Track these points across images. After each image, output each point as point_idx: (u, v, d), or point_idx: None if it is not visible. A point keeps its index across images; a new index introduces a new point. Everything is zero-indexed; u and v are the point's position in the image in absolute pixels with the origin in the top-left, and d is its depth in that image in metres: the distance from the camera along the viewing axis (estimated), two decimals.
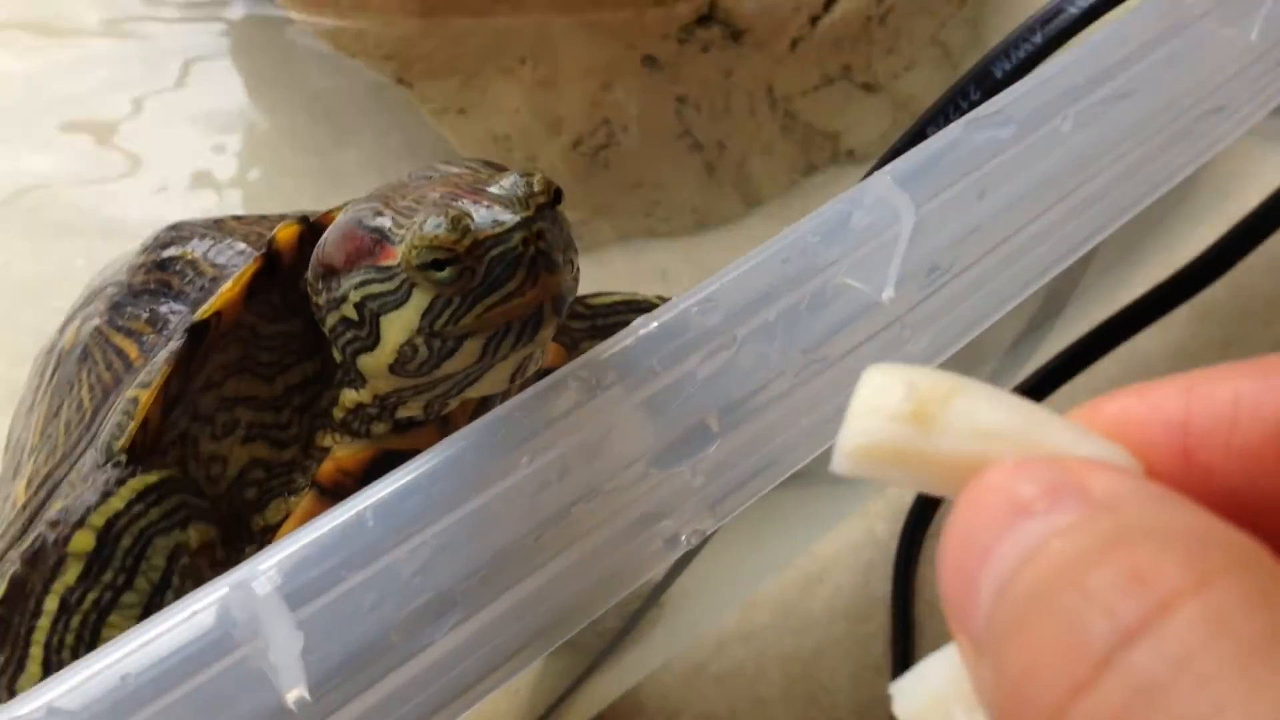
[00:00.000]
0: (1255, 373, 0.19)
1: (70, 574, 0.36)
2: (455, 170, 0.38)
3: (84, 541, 0.36)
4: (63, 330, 0.48)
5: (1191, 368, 0.20)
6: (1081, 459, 0.19)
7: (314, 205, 0.46)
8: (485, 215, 0.33)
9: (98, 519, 0.36)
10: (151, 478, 0.38)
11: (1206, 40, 0.44)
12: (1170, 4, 0.44)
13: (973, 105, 0.44)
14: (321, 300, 0.38)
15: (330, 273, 0.37)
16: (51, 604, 0.36)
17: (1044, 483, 0.18)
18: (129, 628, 0.30)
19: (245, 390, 0.43)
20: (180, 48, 0.79)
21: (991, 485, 0.18)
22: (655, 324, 0.35)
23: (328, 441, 0.42)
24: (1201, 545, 0.16)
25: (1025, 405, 0.21)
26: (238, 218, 0.48)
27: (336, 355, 0.40)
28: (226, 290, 0.41)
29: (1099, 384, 0.65)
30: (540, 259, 0.33)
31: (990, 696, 0.17)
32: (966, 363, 0.64)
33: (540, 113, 0.72)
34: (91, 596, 0.36)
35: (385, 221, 0.35)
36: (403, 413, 0.40)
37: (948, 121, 0.40)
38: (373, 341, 0.37)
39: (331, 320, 0.38)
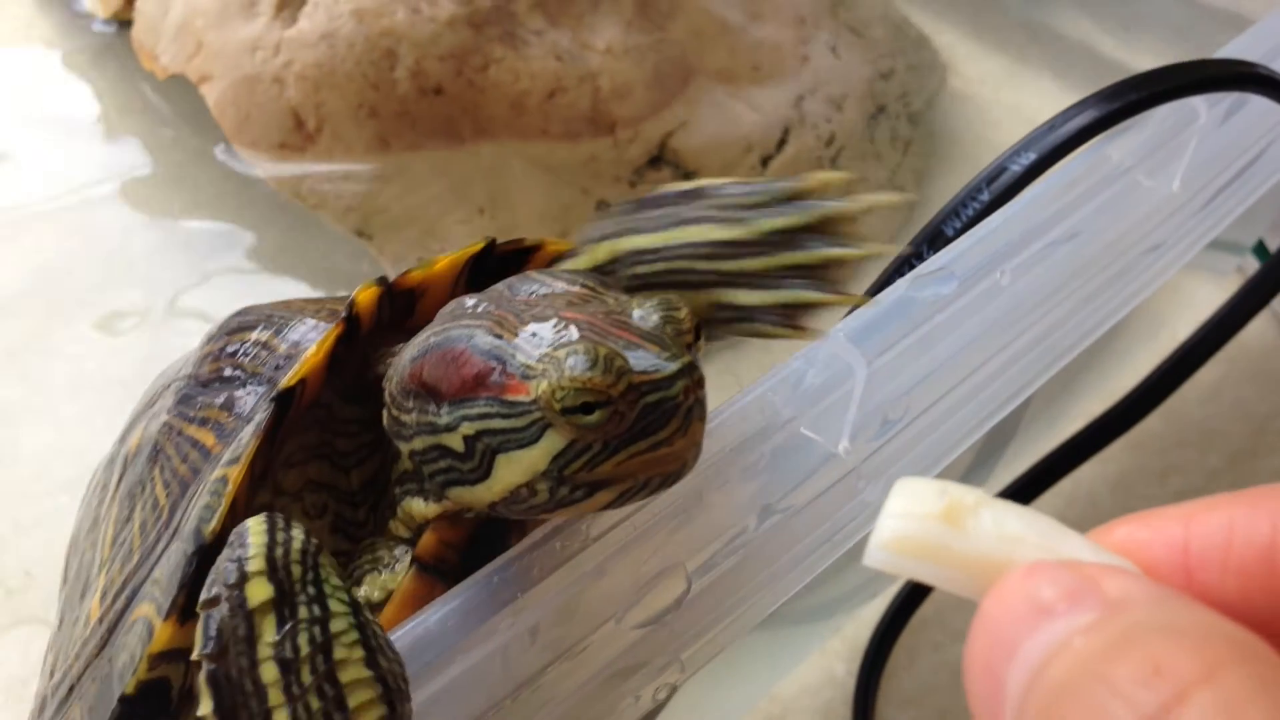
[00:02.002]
0: (1247, 501, 0.21)
1: (268, 629, 0.29)
2: (567, 287, 0.34)
3: (261, 590, 0.30)
4: (123, 439, 0.46)
5: (1132, 498, 0.22)
6: (1095, 563, 0.20)
7: None
8: (640, 358, 0.30)
9: (256, 563, 0.30)
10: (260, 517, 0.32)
11: (1132, 191, 0.46)
12: (1097, 160, 0.46)
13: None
14: (409, 419, 0.34)
15: (429, 394, 0.33)
16: (270, 673, 0.29)
17: (1063, 585, 0.19)
18: (358, 658, 0.29)
19: (326, 477, 0.40)
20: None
21: (1015, 589, 0.20)
22: None
23: (402, 531, 0.39)
24: (1209, 639, 0.17)
25: (1046, 520, 0.23)
26: (304, 300, 0.45)
27: (408, 465, 0.37)
28: (310, 356, 0.38)
29: (1056, 505, 0.66)
30: (696, 408, 0.31)
31: None
32: None
33: None
34: (304, 640, 0.29)
35: (508, 349, 0.32)
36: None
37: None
38: (479, 477, 0.33)
39: (421, 444, 0.34)
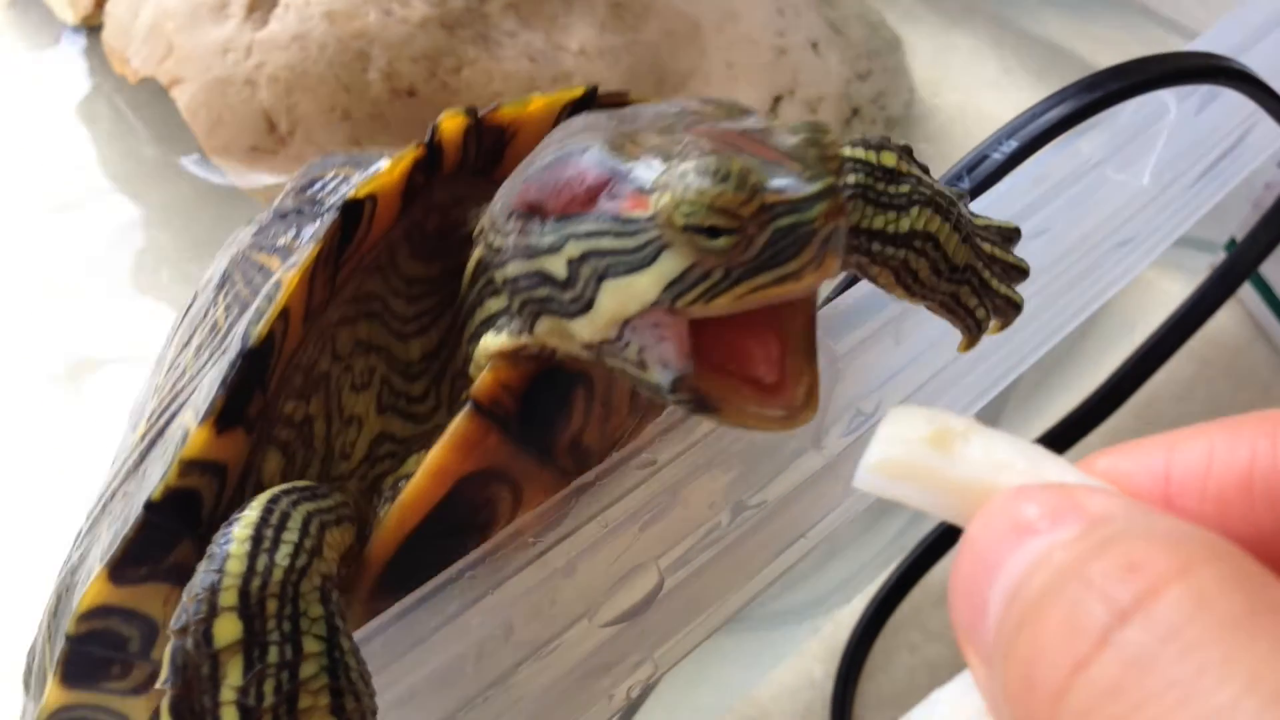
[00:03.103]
0: (1227, 428, 0.21)
1: (233, 672, 0.28)
2: (701, 106, 0.30)
3: (229, 629, 0.28)
4: (206, 277, 0.43)
5: None
6: (1078, 485, 0.21)
7: None
8: (778, 174, 0.26)
9: (228, 597, 0.28)
10: (253, 514, 0.30)
11: (1102, 186, 0.46)
12: (1067, 155, 0.46)
13: None
14: (505, 243, 0.31)
15: (532, 212, 0.30)
16: (231, 717, 0.28)
17: (1047, 505, 0.20)
18: (323, 705, 0.28)
19: (378, 339, 0.37)
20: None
21: (999, 511, 0.20)
22: (594, 477, 0.35)
23: None
24: (1184, 540, 0.18)
25: (1034, 447, 0.23)
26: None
27: (498, 304, 0.33)
28: (385, 172, 0.34)
29: None
30: (834, 238, 0.27)
31: (999, 700, 0.19)
32: None
33: None
34: (269, 688, 0.28)
35: (630, 163, 0.28)
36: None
37: None
38: (579, 308, 0.29)
39: (517, 269, 0.31)
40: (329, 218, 0.34)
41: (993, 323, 0.38)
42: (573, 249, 0.29)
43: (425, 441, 0.35)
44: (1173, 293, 0.74)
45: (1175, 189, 0.48)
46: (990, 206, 0.44)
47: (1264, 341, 0.76)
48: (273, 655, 0.28)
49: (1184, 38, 0.86)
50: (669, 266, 0.27)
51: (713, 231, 0.26)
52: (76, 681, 0.36)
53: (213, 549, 0.29)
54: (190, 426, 0.33)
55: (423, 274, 0.38)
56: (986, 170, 0.45)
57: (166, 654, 0.28)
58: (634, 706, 0.48)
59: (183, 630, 0.28)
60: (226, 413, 0.33)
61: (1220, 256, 0.78)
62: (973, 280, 0.37)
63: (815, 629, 0.63)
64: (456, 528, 0.35)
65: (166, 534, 0.34)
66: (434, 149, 0.35)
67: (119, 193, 0.79)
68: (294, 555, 0.29)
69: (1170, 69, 0.45)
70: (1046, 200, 0.45)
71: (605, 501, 0.34)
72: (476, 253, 0.34)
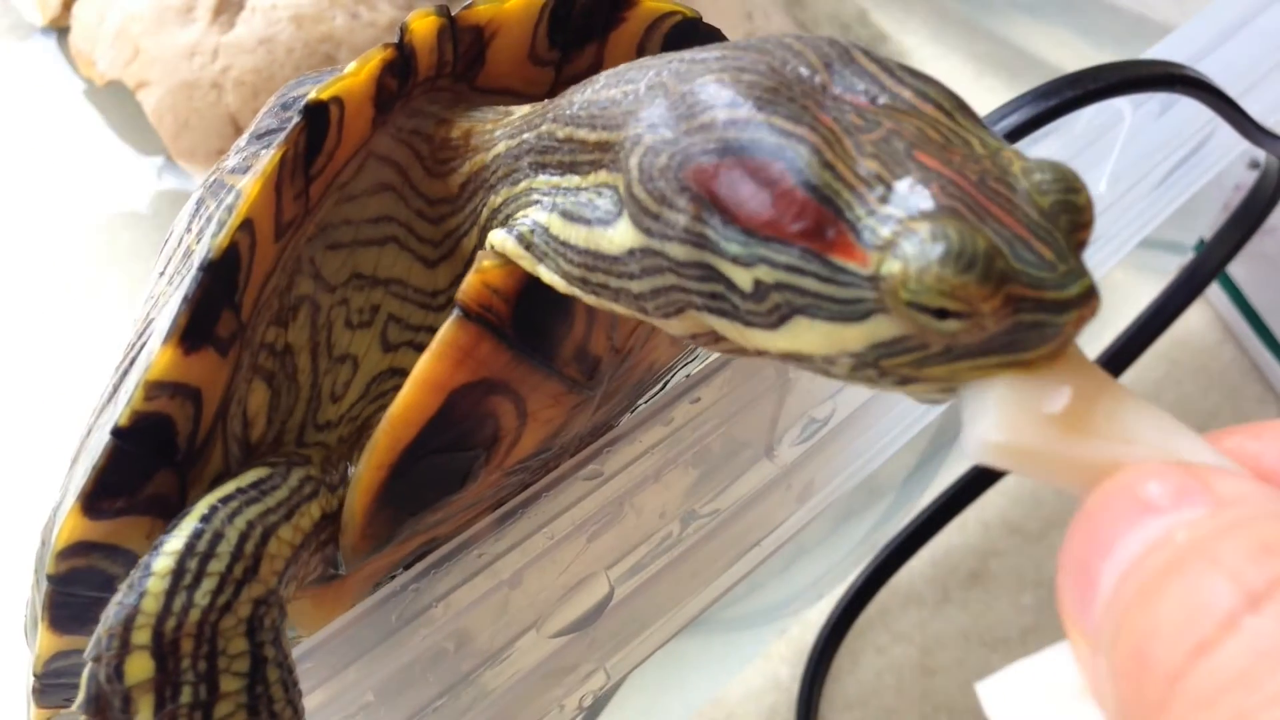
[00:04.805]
0: None
1: (144, 709, 0.27)
2: (916, 102, 0.25)
3: (140, 668, 0.27)
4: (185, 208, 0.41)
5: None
6: (1207, 465, 0.19)
7: None
8: (1028, 263, 0.22)
9: (140, 636, 0.28)
10: (178, 541, 0.29)
11: None
12: None
13: None
14: (671, 219, 0.26)
15: (716, 207, 0.25)
16: None
17: (1172, 483, 0.18)
18: None
19: (396, 270, 0.35)
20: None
21: (1119, 486, 0.19)
22: (542, 489, 0.35)
23: None
24: None
25: (1162, 415, 0.21)
26: None
27: (645, 281, 0.28)
28: (350, 73, 0.32)
29: (1000, 505, 0.67)
30: (1077, 335, 0.23)
31: (1105, 682, 0.17)
32: (864, 498, 0.66)
33: None
34: None
35: (846, 195, 0.23)
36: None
37: None
38: (764, 324, 0.25)
39: (684, 255, 0.26)
40: (292, 119, 0.32)
41: None
42: (765, 274, 0.25)
43: None
44: (1142, 295, 0.74)
45: (1135, 194, 0.49)
46: None
47: (1233, 343, 0.76)
48: (186, 695, 0.28)
49: (1156, 35, 0.87)
50: (883, 331, 0.23)
51: (942, 313, 0.22)
52: (66, 626, 0.35)
53: (133, 576, 0.29)
54: (155, 348, 0.31)
55: (444, 193, 0.35)
56: None
57: (83, 680, 0.28)
58: (594, 713, 0.48)
59: (97, 659, 0.28)
60: (192, 331, 0.31)
61: (1190, 258, 0.78)
62: None
63: (782, 631, 0.63)
64: (457, 443, 0.33)
65: (141, 463, 0.32)
66: (405, 51, 0.33)
67: (86, 195, 0.79)
68: (216, 591, 0.29)
69: (1126, 77, 0.45)
70: None
71: (552, 513, 0.34)
72: (625, 185, 0.28)
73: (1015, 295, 0.22)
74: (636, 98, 0.28)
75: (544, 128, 0.31)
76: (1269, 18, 0.51)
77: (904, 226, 0.22)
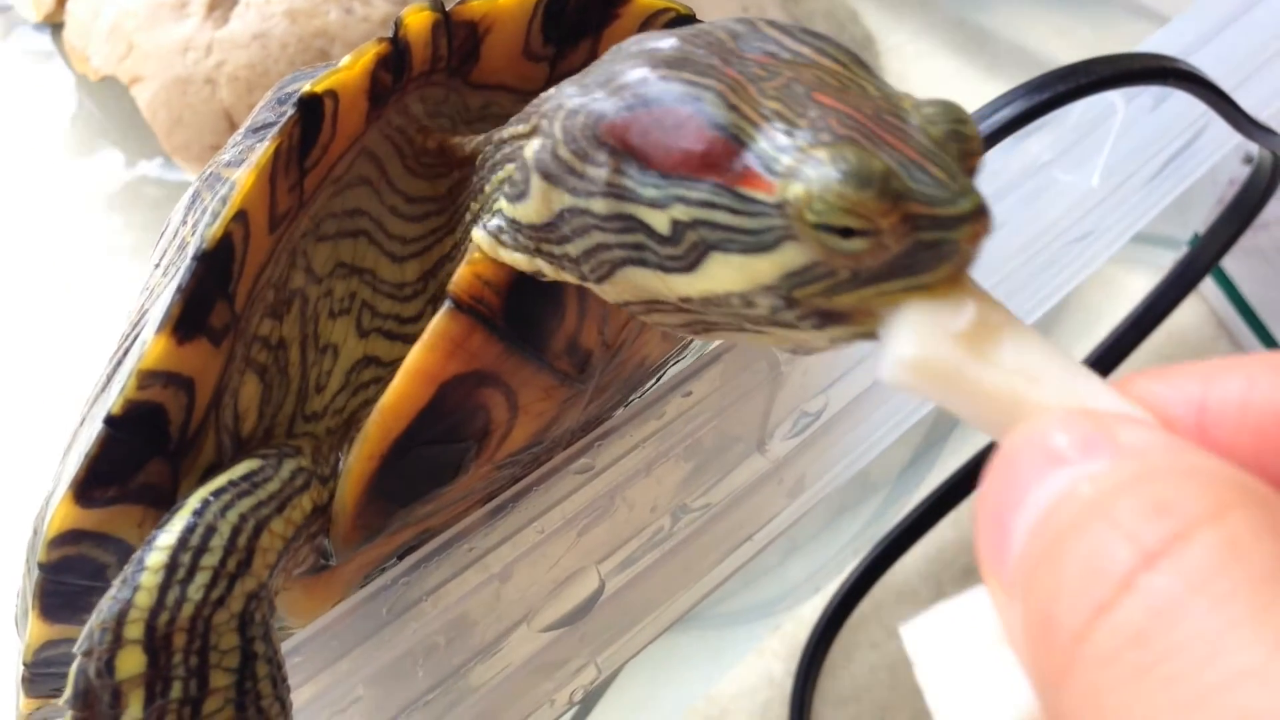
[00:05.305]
0: (1267, 363, 0.21)
1: (134, 704, 0.27)
2: (815, 56, 0.27)
3: (132, 662, 0.28)
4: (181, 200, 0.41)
5: None
6: (1112, 413, 0.20)
7: None
8: (924, 184, 0.23)
9: (133, 630, 0.28)
10: (170, 536, 0.29)
11: (1051, 187, 0.46)
12: (1015, 155, 0.46)
13: None
14: (592, 174, 0.28)
15: (633, 156, 0.27)
16: None
17: (1078, 434, 0.19)
18: None
19: (365, 260, 0.35)
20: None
21: (1027, 438, 0.19)
22: (533, 482, 0.35)
23: None
24: (1218, 481, 0.17)
25: (1066, 357, 0.22)
26: None
27: (576, 243, 0.29)
28: (344, 67, 0.32)
29: None
30: (974, 255, 0.24)
31: (1018, 632, 0.18)
32: (857, 493, 0.66)
33: None
34: None
35: (751, 131, 0.25)
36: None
37: None
38: (681, 267, 0.27)
39: (604, 207, 0.28)
40: (286, 113, 0.32)
41: None
42: (680, 212, 0.26)
43: None
44: (1136, 289, 0.74)
45: (1127, 188, 0.49)
46: None
47: (1227, 338, 0.76)
48: (176, 691, 0.28)
49: (1150, 26, 0.87)
50: (792, 258, 0.25)
51: (845, 232, 0.24)
52: (57, 614, 0.35)
53: (126, 571, 0.29)
54: (149, 338, 0.31)
55: (428, 192, 0.36)
56: None
57: (71, 674, 0.28)
58: (586, 708, 0.48)
59: (88, 654, 0.28)
60: (185, 321, 0.31)
61: (1184, 253, 0.78)
62: None
63: (776, 626, 0.63)
64: (448, 434, 0.33)
65: (133, 452, 0.32)
66: (399, 46, 0.33)
67: (78, 190, 0.79)
68: (210, 586, 0.29)
69: (1118, 70, 0.45)
70: (998, 197, 0.46)
71: (542, 507, 0.34)
72: (548, 150, 0.29)
73: (912, 213, 0.23)
74: (560, 88, 0.29)
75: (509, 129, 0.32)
76: (1263, 11, 0.50)
77: (805, 154, 0.24)
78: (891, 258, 0.24)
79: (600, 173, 0.27)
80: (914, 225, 0.23)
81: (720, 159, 0.25)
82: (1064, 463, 0.19)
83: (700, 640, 0.61)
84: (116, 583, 0.28)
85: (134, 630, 0.28)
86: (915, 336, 0.23)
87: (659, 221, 0.26)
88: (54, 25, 0.84)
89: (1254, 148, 0.54)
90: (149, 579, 0.28)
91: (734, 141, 0.25)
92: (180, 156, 0.72)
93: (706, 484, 0.38)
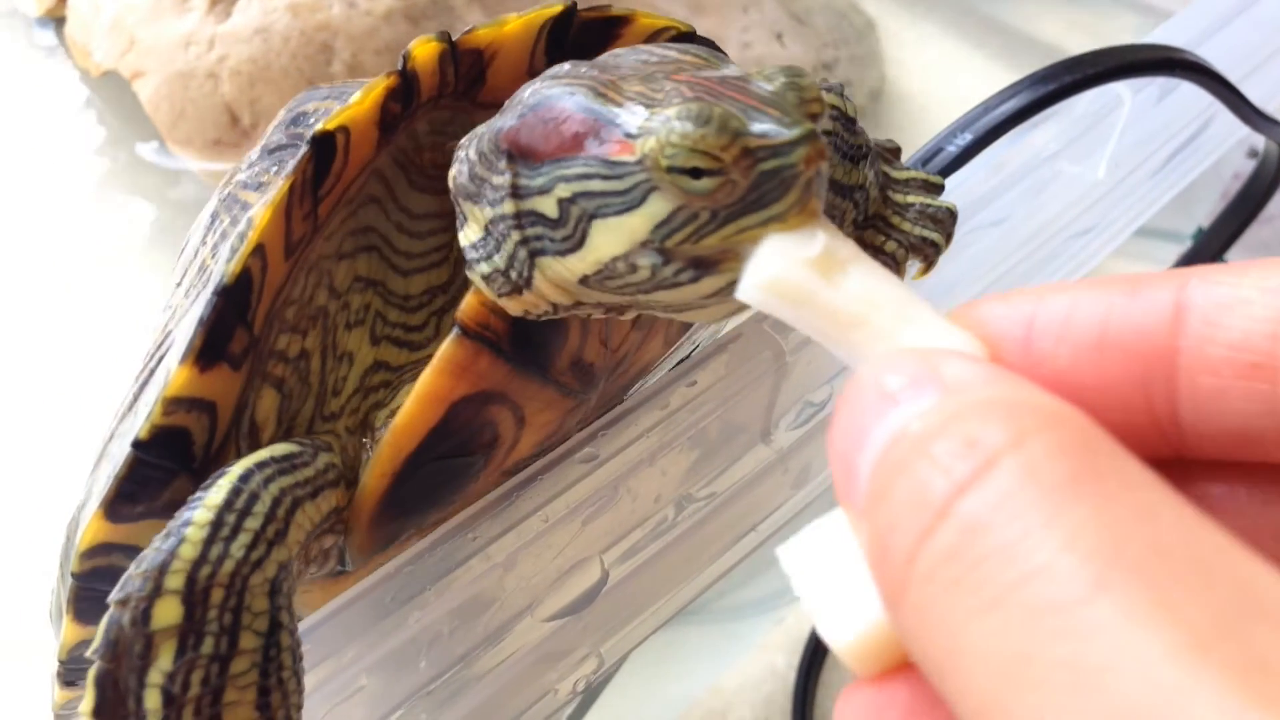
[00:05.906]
0: (1090, 284, 0.23)
1: (165, 656, 0.28)
2: (679, 56, 0.31)
3: (169, 612, 0.28)
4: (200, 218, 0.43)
5: None
6: (939, 350, 0.22)
7: None
8: (758, 119, 0.27)
9: (174, 580, 0.28)
10: (218, 495, 0.30)
11: (1057, 178, 0.46)
12: (1021, 147, 0.46)
13: None
14: (498, 181, 0.31)
15: (523, 155, 0.30)
16: (153, 702, 0.28)
17: (907, 374, 0.21)
18: (249, 700, 0.28)
19: (377, 274, 0.37)
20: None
21: (865, 381, 0.21)
22: (536, 472, 0.35)
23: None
24: (1020, 410, 0.19)
25: (906, 290, 0.24)
26: None
27: (502, 251, 0.32)
28: (355, 103, 0.34)
29: None
30: (816, 182, 0.27)
31: (868, 554, 0.20)
32: None
33: None
34: (196, 679, 0.28)
35: (614, 109, 0.28)
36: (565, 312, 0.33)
37: None
38: (571, 245, 0.29)
39: (512, 208, 0.31)
40: (300, 150, 0.34)
41: (917, 266, 0.39)
42: (563, 190, 0.29)
43: (419, 369, 0.35)
44: None
45: (1133, 181, 0.48)
46: (947, 195, 0.44)
47: None
48: (207, 646, 0.28)
49: (1157, 18, 0.87)
50: (657, 208, 0.28)
51: (696, 173, 0.26)
52: (90, 617, 0.36)
53: (171, 525, 0.29)
54: (173, 366, 0.33)
55: (435, 209, 0.37)
56: (942, 163, 0.44)
57: (103, 624, 0.28)
58: (589, 699, 0.48)
59: (123, 603, 0.28)
60: (207, 350, 0.33)
61: (1188, 247, 0.78)
62: (878, 224, 0.38)
63: (779, 620, 0.62)
64: (458, 449, 0.35)
65: (159, 471, 0.34)
66: (408, 77, 0.35)
67: (80, 184, 0.79)
68: (251, 546, 0.30)
69: (1125, 61, 0.45)
70: (1003, 189, 0.45)
71: (546, 496, 0.34)
72: (464, 169, 0.33)
73: (752, 146, 0.26)
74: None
75: None
76: (1270, 3, 0.50)
77: (655, 113, 0.27)
78: (742, 193, 0.27)
79: (504, 179, 0.30)
80: (755, 158, 0.26)
81: (590, 136, 0.28)
82: (896, 403, 0.21)
83: (704, 633, 0.61)
84: (158, 537, 0.29)
85: (175, 580, 0.28)
86: (771, 260, 0.25)
87: (549, 206, 0.30)
88: (55, 20, 0.84)
89: (1259, 142, 0.54)
90: (195, 533, 0.29)
91: (601, 119, 0.28)
92: (181, 149, 0.72)
93: (710, 474, 0.38)
